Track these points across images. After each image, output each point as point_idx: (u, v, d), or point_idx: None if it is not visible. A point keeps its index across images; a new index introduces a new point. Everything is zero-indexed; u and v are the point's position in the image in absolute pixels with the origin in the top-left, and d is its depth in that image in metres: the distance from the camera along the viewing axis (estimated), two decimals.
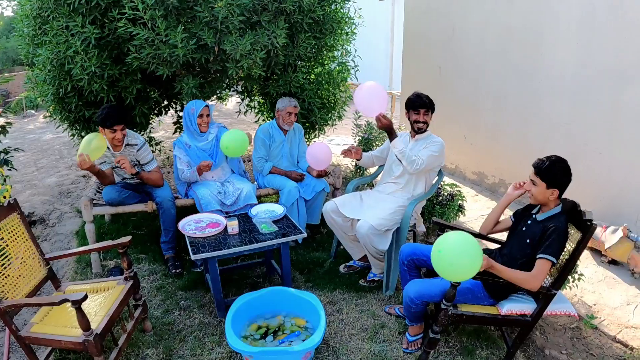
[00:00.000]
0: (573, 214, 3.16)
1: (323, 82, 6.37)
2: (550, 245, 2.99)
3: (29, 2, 5.19)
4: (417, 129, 4.36)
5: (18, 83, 15.59)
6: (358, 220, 4.21)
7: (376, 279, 4.45)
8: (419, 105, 4.28)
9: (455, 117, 7.42)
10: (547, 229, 3.05)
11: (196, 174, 4.77)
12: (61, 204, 6.62)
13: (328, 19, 5.77)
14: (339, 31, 6.12)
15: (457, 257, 2.74)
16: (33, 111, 15.18)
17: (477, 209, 6.24)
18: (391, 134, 4.13)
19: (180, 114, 6.95)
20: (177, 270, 4.65)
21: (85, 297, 2.85)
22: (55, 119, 5.99)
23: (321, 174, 5.12)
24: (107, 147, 4.46)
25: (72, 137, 6.18)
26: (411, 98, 4.34)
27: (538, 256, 3.00)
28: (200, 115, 4.81)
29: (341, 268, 4.69)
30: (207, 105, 4.88)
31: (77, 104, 5.35)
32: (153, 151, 6.81)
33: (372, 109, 4.05)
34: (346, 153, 4.51)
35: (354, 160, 4.83)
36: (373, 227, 4.04)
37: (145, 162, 4.73)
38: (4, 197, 4.46)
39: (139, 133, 6.18)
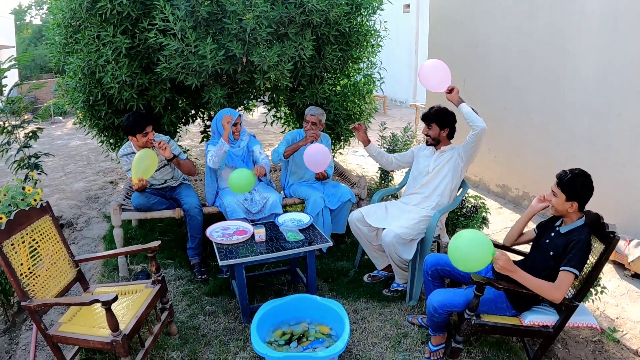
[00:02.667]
0: (596, 227, 3.17)
1: (349, 93, 6.43)
2: (573, 258, 3.00)
3: (61, 12, 5.33)
4: (426, 142, 4.56)
5: (46, 90, 15.91)
6: (383, 229, 4.25)
7: (400, 288, 4.47)
8: (422, 118, 4.52)
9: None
10: (570, 242, 3.07)
11: (223, 143, 4.76)
12: (89, 208, 6.74)
13: (354, 31, 5.84)
14: (365, 43, 6.19)
15: (468, 247, 2.98)
16: (61, 118, 15.48)
17: (500, 222, 6.24)
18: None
19: (208, 123, 7.05)
20: (203, 277, 4.71)
21: (115, 298, 2.92)
22: (84, 125, 6.12)
23: (320, 177, 5.18)
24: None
25: (101, 143, 6.30)
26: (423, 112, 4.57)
27: (561, 268, 3.01)
28: (235, 124, 4.90)
29: (365, 277, 4.72)
30: (240, 115, 4.96)
31: (106, 112, 5.47)
32: None
33: (441, 81, 4.17)
34: (356, 128, 4.76)
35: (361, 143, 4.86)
36: (398, 235, 4.07)
37: (176, 153, 4.84)
38: (35, 200, 4.58)
39: None
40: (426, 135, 4.48)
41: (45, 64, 20.58)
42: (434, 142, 4.46)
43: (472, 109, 4.08)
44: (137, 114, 4.60)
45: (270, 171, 6.09)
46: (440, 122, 4.38)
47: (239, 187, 4.51)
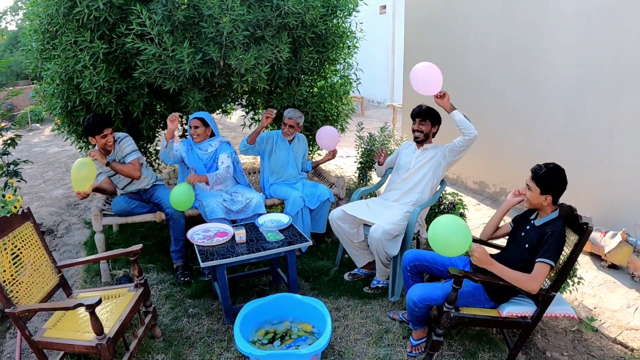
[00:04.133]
0: (570, 219, 3.26)
1: (326, 95, 6.49)
2: (548, 250, 3.08)
3: (37, 18, 5.30)
4: (415, 138, 4.59)
5: (23, 97, 15.78)
6: (367, 226, 4.33)
7: (380, 285, 4.52)
8: (416, 114, 4.52)
9: (456, 128, 7.51)
10: (545, 234, 3.15)
11: (163, 140, 4.83)
12: (69, 215, 6.72)
13: (330, 33, 5.89)
14: (341, 45, 6.24)
15: (449, 232, 3.06)
16: (38, 124, 15.33)
17: (478, 218, 6.33)
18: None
19: (186, 127, 7.07)
20: (186, 279, 4.73)
21: (99, 302, 2.94)
22: (63, 131, 6.10)
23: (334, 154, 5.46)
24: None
25: (79, 149, 6.28)
26: (414, 108, 4.57)
27: (537, 260, 3.09)
28: (190, 126, 4.94)
29: (345, 276, 4.76)
30: (198, 118, 4.98)
31: (85, 117, 5.45)
32: (159, 165, 6.91)
33: (431, 84, 4.11)
34: (379, 155, 4.92)
35: (376, 162, 4.99)
36: (387, 231, 4.13)
37: (127, 153, 4.80)
38: (15, 208, 4.57)
39: (146, 145, 6.30)
40: (418, 131, 4.54)
41: (21, 70, 20.34)
42: (425, 138, 4.54)
43: (465, 116, 4.16)
44: (97, 116, 4.64)
45: (249, 173, 6.14)
46: (433, 119, 4.51)
47: (179, 204, 4.53)
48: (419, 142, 4.58)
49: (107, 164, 4.61)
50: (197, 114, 5.01)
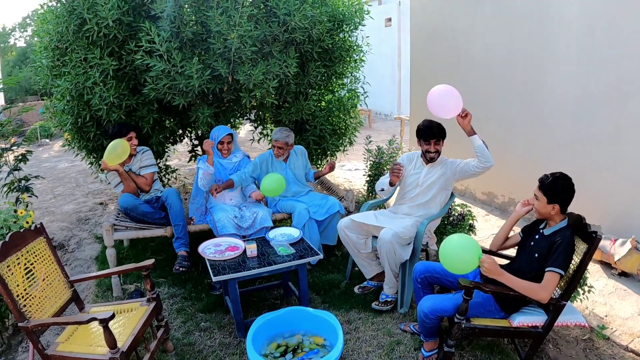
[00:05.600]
0: (579, 227, 3.27)
1: (333, 108, 6.52)
2: (558, 259, 3.09)
3: (48, 35, 5.38)
4: (429, 159, 4.44)
5: (32, 113, 15.90)
6: (375, 237, 4.33)
7: (389, 299, 4.46)
8: (430, 136, 4.33)
9: (463, 139, 7.51)
10: (554, 243, 3.16)
11: (208, 167, 4.91)
12: (79, 230, 6.76)
13: (337, 47, 5.95)
14: (348, 59, 6.30)
15: (457, 249, 3.13)
16: (47, 140, 15.44)
17: (487, 229, 6.33)
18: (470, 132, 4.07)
19: (195, 142, 7.12)
20: (182, 268, 4.70)
21: (112, 316, 2.96)
22: (73, 147, 6.16)
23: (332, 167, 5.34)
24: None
25: (90, 165, 6.34)
26: (421, 128, 4.39)
27: (547, 269, 3.10)
28: (221, 142, 4.98)
29: (356, 289, 4.76)
30: (230, 134, 5.05)
31: (95, 133, 5.53)
32: (169, 180, 6.97)
33: (449, 109, 3.91)
34: (395, 172, 4.35)
35: (387, 181, 4.55)
36: (397, 234, 4.13)
37: (143, 165, 5.08)
38: (27, 223, 4.61)
39: (156, 161, 6.36)
40: (434, 152, 4.37)
41: (30, 86, 20.53)
42: (438, 156, 4.43)
43: (483, 142, 4.08)
44: (121, 122, 5.01)
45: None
46: (445, 135, 4.38)
47: (272, 190, 4.73)
48: (431, 162, 4.46)
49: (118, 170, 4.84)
50: (224, 129, 5.10)
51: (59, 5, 5.16)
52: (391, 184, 4.45)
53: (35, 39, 5.92)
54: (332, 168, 5.32)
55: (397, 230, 4.15)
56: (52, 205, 8.11)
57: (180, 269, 4.71)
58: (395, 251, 4.18)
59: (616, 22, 5.05)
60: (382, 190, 4.59)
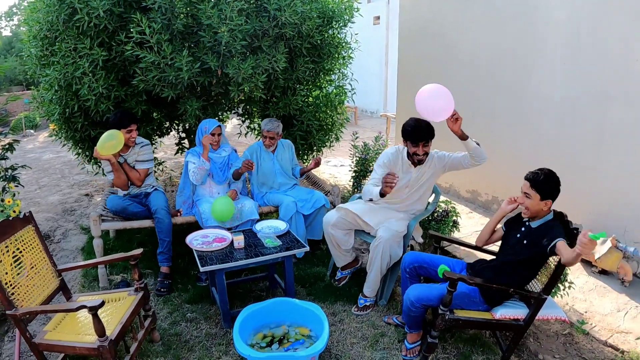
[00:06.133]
0: (562, 223, 3.35)
1: (321, 104, 6.55)
2: (557, 234, 3.17)
3: (37, 24, 5.34)
4: (418, 161, 4.24)
5: (16, 103, 15.76)
6: (358, 231, 4.42)
7: (368, 304, 4.39)
8: (419, 139, 4.08)
9: (448, 137, 7.56)
10: (547, 227, 3.28)
11: (204, 162, 4.93)
12: (65, 221, 6.75)
13: (326, 43, 5.98)
14: (336, 55, 6.32)
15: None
16: (32, 131, 15.31)
17: (471, 225, 6.41)
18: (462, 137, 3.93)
19: (182, 135, 7.13)
20: (164, 290, 4.69)
21: (102, 304, 2.99)
22: (60, 138, 6.13)
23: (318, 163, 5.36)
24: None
25: (77, 155, 6.32)
26: (408, 129, 4.12)
27: (553, 243, 3.12)
28: (212, 134, 5.00)
29: (332, 282, 4.85)
30: (219, 125, 5.08)
31: (83, 124, 5.49)
32: (155, 171, 6.97)
33: (439, 111, 3.76)
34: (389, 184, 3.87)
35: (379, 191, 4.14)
36: (397, 231, 4.19)
37: (140, 159, 4.99)
38: (14, 212, 4.62)
39: None
40: (419, 154, 4.15)
41: (15, 76, 20.29)
42: (425, 159, 4.24)
43: (476, 143, 3.97)
44: (124, 111, 4.87)
45: (247, 181, 6.20)
46: (433, 136, 4.15)
47: (222, 216, 4.65)
48: (419, 164, 4.27)
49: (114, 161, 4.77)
50: (214, 121, 5.11)
51: None
52: (382, 194, 4.01)
53: (24, 28, 5.85)
54: (317, 164, 5.35)
55: (397, 228, 4.20)
56: (37, 196, 8.08)
57: (162, 289, 4.70)
58: (392, 251, 4.20)
59: (602, 25, 5.13)
60: (371, 200, 4.26)
